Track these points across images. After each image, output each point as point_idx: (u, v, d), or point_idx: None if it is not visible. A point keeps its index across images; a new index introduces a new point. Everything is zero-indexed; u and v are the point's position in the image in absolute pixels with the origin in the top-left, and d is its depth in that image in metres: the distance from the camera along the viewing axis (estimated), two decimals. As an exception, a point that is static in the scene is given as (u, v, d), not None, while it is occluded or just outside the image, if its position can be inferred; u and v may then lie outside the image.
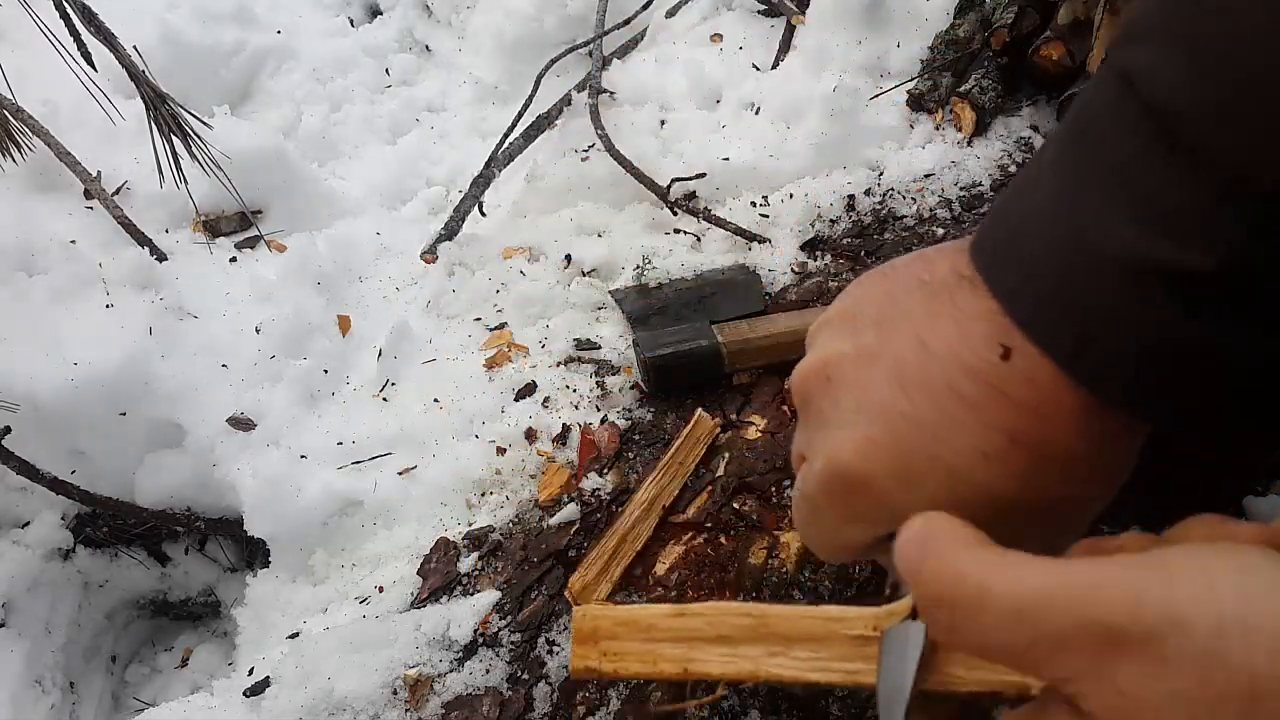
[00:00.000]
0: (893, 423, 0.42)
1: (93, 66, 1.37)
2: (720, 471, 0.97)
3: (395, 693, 0.82)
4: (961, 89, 1.40)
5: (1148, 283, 0.35)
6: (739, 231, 1.28)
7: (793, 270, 1.23)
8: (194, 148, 1.44)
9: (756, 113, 1.52)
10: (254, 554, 1.47)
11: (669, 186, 1.35)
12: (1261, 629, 0.29)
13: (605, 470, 1.01)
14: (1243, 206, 0.33)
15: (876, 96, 1.44)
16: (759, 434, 1.01)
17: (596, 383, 1.12)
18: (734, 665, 0.47)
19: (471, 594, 0.91)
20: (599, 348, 1.17)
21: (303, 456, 1.19)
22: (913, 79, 1.45)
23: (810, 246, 1.27)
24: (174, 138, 1.42)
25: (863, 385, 0.44)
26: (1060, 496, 0.41)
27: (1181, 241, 0.34)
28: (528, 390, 1.14)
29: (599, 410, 1.09)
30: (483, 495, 1.05)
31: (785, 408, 1.04)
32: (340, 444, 1.18)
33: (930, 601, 0.35)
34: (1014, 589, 0.33)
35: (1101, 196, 0.36)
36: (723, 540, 0.91)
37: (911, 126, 1.43)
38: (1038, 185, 0.40)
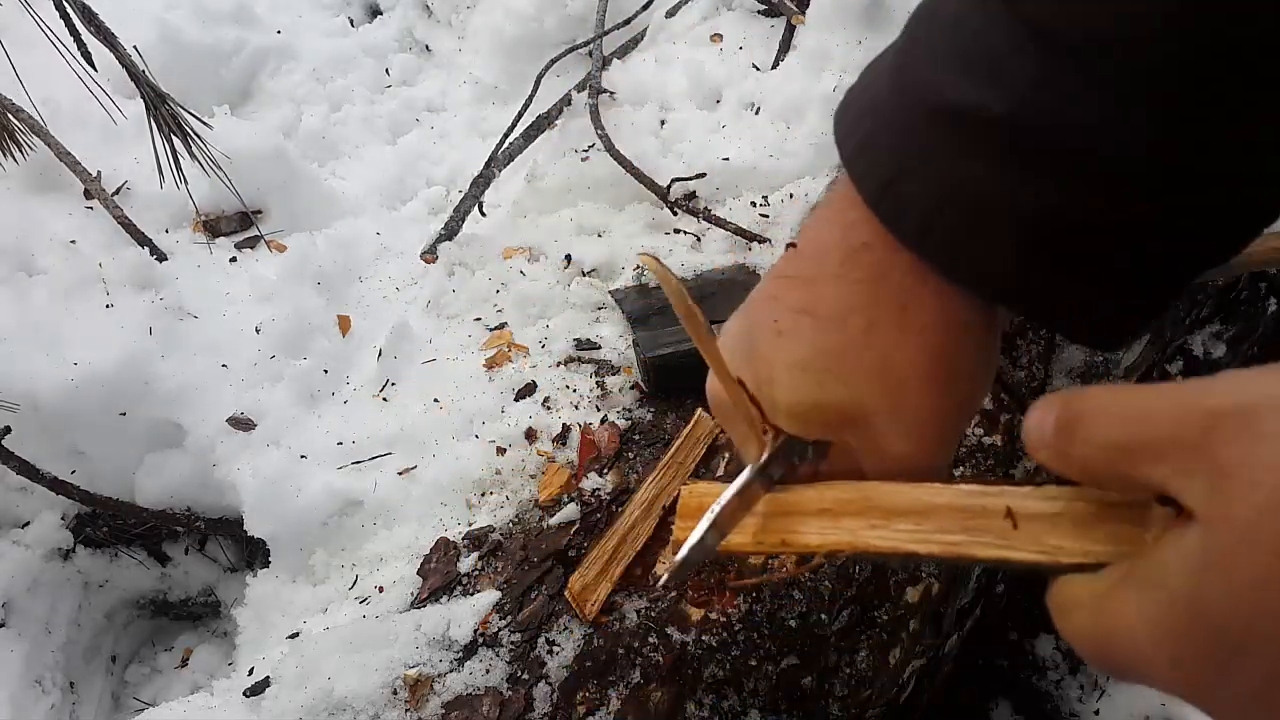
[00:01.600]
0: (733, 342, 0.51)
1: (93, 66, 1.37)
2: (720, 471, 0.97)
3: (395, 693, 0.82)
4: (961, 89, 1.40)
5: (944, 123, 0.38)
6: (739, 231, 1.28)
7: (793, 270, 1.23)
8: (194, 148, 1.44)
9: (756, 113, 1.52)
10: (254, 554, 1.47)
11: (669, 186, 1.35)
12: None
13: (605, 470, 1.01)
14: (1041, 56, 0.35)
15: (876, 96, 1.44)
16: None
17: (596, 383, 1.12)
18: (833, 536, 0.49)
19: (471, 594, 0.91)
20: (599, 348, 1.17)
21: (303, 456, 1.19)
22: (913, 79, 1.45)
23: (810, 246, 1.27)
24: (174, 138, 1.42)
25: (725, 333, 0.53)
26: (858, 346, 0.44)
27: (979, 83, 0.36)
28: (528, 390, 1.14)
29: (599, 410, 1.09)
30: (483, 495, 1.05)
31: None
32: (340, 444, 1.18)
33: (1058, 423, 0.36)
34: (1127, 397, 0.34)
35: (929, 47, 0.39)
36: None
37: (911, 126, 1.43)
38: (886, 52, 0.43)
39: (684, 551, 0.48)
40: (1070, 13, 0.35)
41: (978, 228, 0.39)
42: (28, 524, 1.35)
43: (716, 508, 0.49)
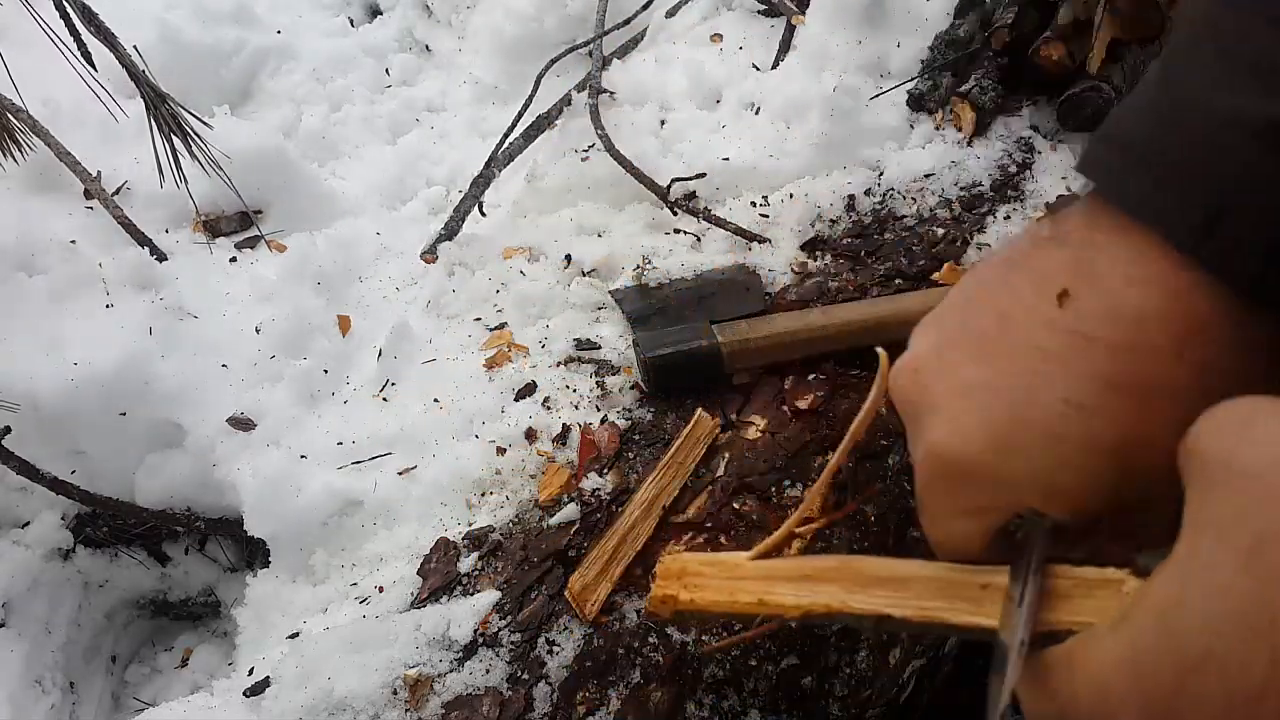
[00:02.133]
0: (979, 397, 0.41)
1: (93, 66, 1.37)
2: (720, 471, 0.97)
3: (395, 693, 0.82)
4: (961, 89, 1.40)
5: (1276, 143, 0.32)
6: (739, 231, 1.28)
7: (793, 270, 1.23)
8: (194, 147, 1.44)
9: (756, 113, 1.52)
10: (254, 554, 1.47)
11: (669, 186, 1.35)
12: None
13: (605, 470, 1.01)
14: None
15: (876, 96, 1.44)
16: (759, 434, 1.01)
17: (596, 383, 1.12)
18: (810, 599, 0.49)
19: (471, 594, 0.91)
20: (599, 348, 1.17)
21: (303, 456, 1.19)
22: (913, 79, 1.45)
23: (810, 246, 1.26)
24: (174, 137, 1.42)
25: (948, 369, 0.43)
26: (1179, 428, 0.36)
27: None
28: (528, 390, 1.14)
29: (599, 410, 1.09)
30: (483, 495, 1.05)
31: (785, 408, 1.04)
32: (340, 444, 1.18)
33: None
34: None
35: (1216, 69, 0.34)
36: (723, 540, 0.91)
37: (911, 126, 1.43)
38: (1145, 90, 0.37)
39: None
40: None
41: None
42: (28, 524, 1.35)
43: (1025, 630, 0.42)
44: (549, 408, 1.11)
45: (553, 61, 1.77)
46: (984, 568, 0.45)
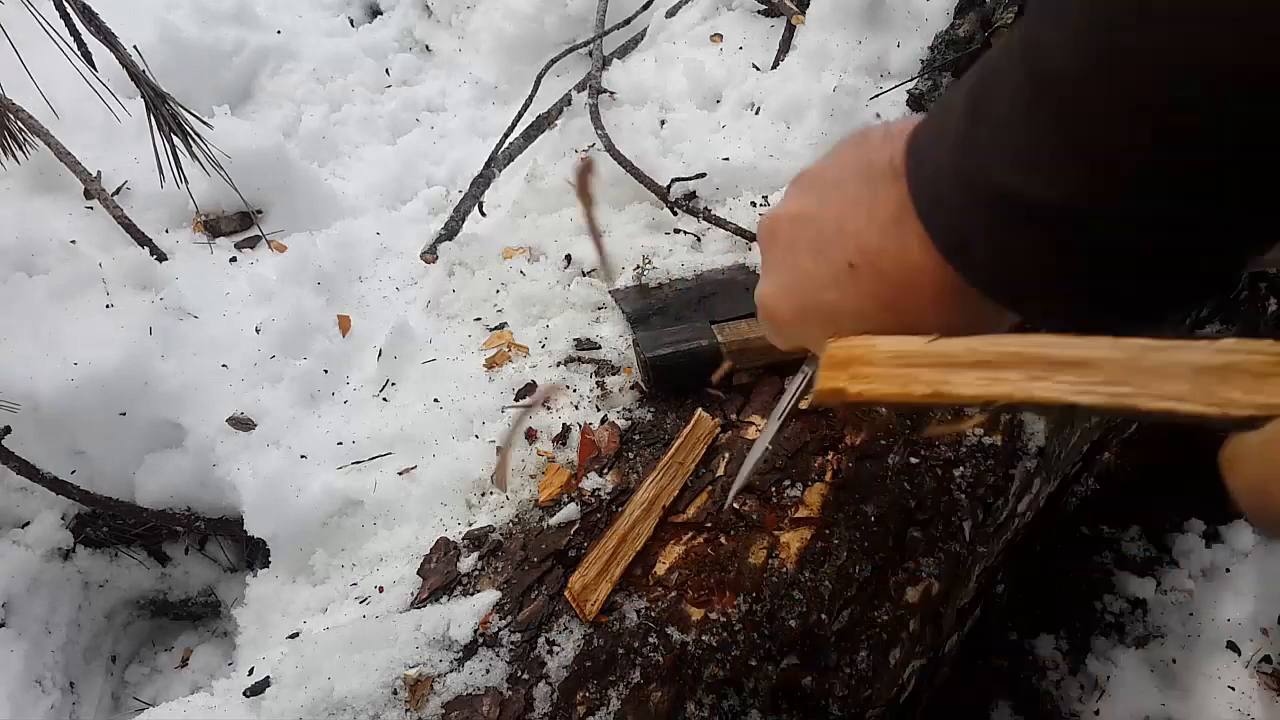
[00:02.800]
0: (799, 276, 0.58)
1: (93, 66, 1.37)
2: (720, 471, 0.97)
3: (395, 693, 0.82)
4: (961, 89, 1.40)
5: (1006, 207, 0.44)
6: (739, 231, 1.28)
7: (793, 270, 1.23)
8: (194, 147, 1.44)
9: (756, 113, 1.52)
10: (254, 554, 1.47)
11: (669, 186, 1.35)
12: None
13: (605, 470, 1.01)
14: (1086, 157, 0.41)
15: (876, 96, 1.44)
16: (759, 434, 1.01)
17: (596, 383, 1.12)
18: (991, 387, 0.48)
19: (471, 594, 0.91)
20: (599, 348, 1.17)
21: (303, 456, 1.19)
22: (913, 79, 1.45)
23: (810, 246, 1.27)
24: (174, 137, 1.42)
25: (789, 243, 0.59)
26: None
27: (1036, 179, 0.42)
28: (528, 390, 1.14)
29: (599, 410, 1.09)
30: (483, 495, 1.05)
31: (785, 408, 1.04)
32: (340, 444, 1.18)
33: None
34: None
35: (990, 130, 0.45)
36: (723, 540, 0.91)
37: (912, 126, 1.43)
38: (954, 109, 0.48)
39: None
40: (1108, 116, 0.40)
41: (1033, 281, 0.46)
42: (28, 524, 1.35)
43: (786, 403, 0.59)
44: (549, 408, 1.11)
45: (553, 61, 1.77)
46: (1184, 343, 0.43)
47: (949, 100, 0.50)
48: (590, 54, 1.78)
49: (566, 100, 1.72)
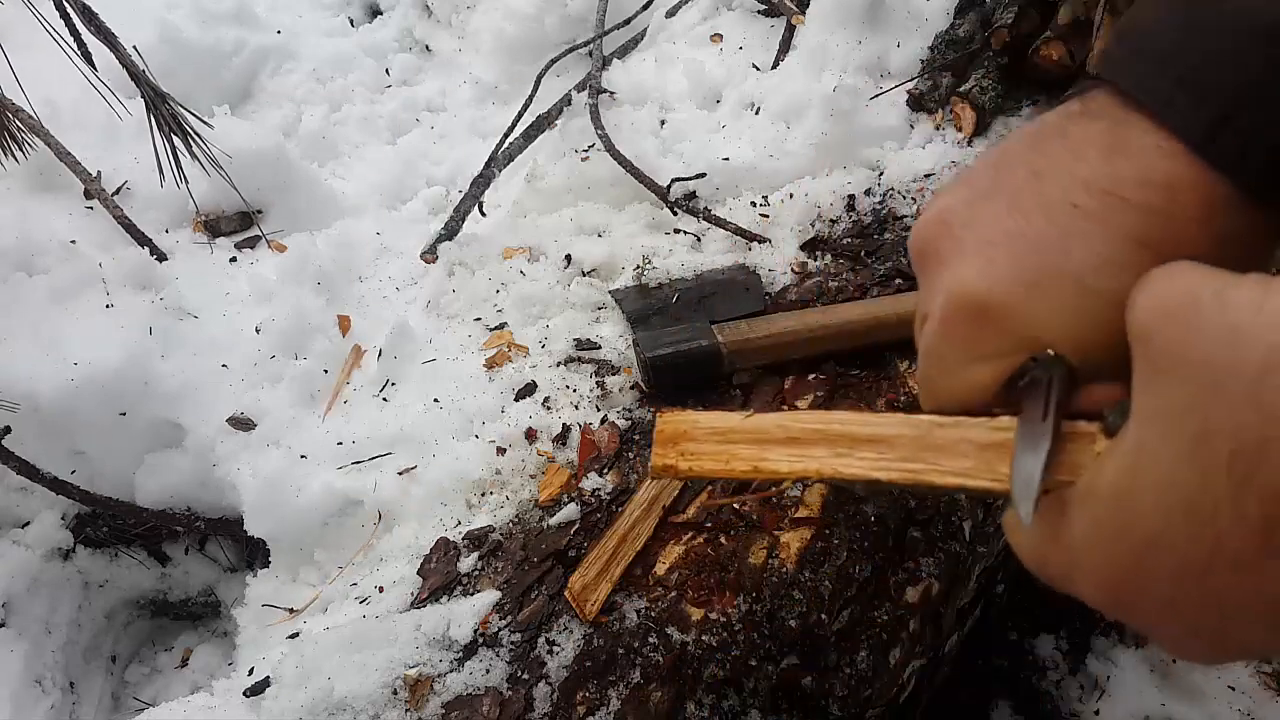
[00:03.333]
0: (1013, 244, 0.42)
1: (93, 66, 1.37)
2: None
3: (395, 693, 0.82)
4: (961, 89, 1.40)
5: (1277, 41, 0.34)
6: (739, 231, 1.28)
7: (793, 270, 1.23)
8: (194, 147, 1.44)
9: (756, 113, 1.52)
10: (254, 554, 1.47)
11: (669, 186, 1.35)
12: None
13: (605, 470, 1.01)
14: None
15: (876, 96, 1.44)
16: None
17: (596, 383, 1.12)
18: (801, 464, 0.50)
19: (471, 594, 0.91)
20: (599, 348, 1.17)
21: (303, 456, 1.19)
22: (913, 79, 1.45)
23: (810, 246, 1.27)
24: (174, 137, 1.42)
25: (979, 220, 0.44)
26: None
27: None
28: (528, 390, 1.14)
29: (599, 410, 1.09)
30: (483, 495, 1.05)
31: (785, 408, 1.04)
32: (340, 444, 1.18)
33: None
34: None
35: None
36: (723, 540, 0.91)
37: (911, 126, 1.43)
38: None
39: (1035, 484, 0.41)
40: None
41: None
42: (28, 524, 1.35)
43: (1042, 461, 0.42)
44: (549, 408, 1.11)
45: (553, 61, 1.77)
46: (966, 421, 0.43)
47: (1140, 8, 0.41)
48: (590, 54, 1.78)
49: (566, 100, 1.72)
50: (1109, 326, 0.39)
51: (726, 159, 1.40)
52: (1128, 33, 0.41)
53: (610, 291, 1.24)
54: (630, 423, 1.06)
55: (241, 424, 1.29)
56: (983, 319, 0.43)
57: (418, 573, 0.98)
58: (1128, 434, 0.34)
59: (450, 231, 1.56)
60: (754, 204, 1.34)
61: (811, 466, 0.50)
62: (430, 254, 1.54)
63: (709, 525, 0.93)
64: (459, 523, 1.03)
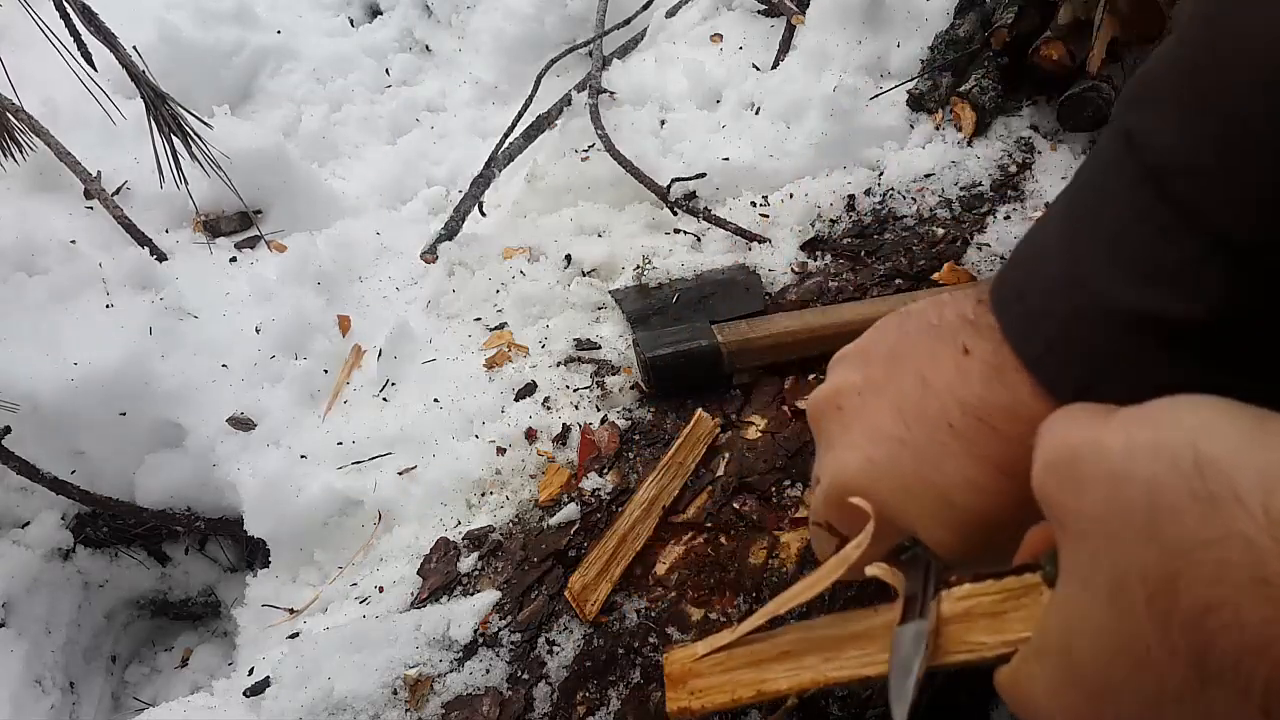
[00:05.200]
0: (892, 447, 0.47)
1: (93, 66, 1.37)
2: (720, 471, 0.97)
3: (395, 693, 0.82)
4: (961, 89, 1.40)
5: (1142, 332, 0.38)
6: (739, 231, 1.28)
7: (793, 270, 1.23)
8: (194, 148, 1.44)
9: (756, 113, 1.52)
10: (254, 554, 1.47)
11: (669, 186, 1.35)
12: (1168, 446, 0.31)
13: (605, 470, 1.01)
14: (1226, 260, 0.36)
15: (876, 96, 1.44)
16: (759, 434, 1.01)
17: (596, 383, 1.12)
18: (798, 677, 0.54)
19: (471, 594, 0.91)
20: (599, 348, 1.17)
21: (303, 456, 1.19)
22: (913, 79, 1.45)
23: (810, 246, 1.27)
24: (174, 138, 1.42)
25: (867, 413, 0.49)
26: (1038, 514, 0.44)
27: (1172, 293, 0.37)
28: (528, 390, 1.14)
29: (599, 410, 1.09)
30: (483, 495, 1.05)
31: (785, 408, 1.04)
32: (340, 444, 1.18)
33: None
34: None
35: (1104, 251, 0.39)
36: (723, 540, 0.91)
37: (911, 126, 1.42)
38: (1049, 236, 0.43)
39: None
40: (1258, 222, 0.35)
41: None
42: (28, 524, 1.35)
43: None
44: (549, 408, 1.11)
45: (553, 61, 1.77)
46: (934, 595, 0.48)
47: (1032, 245, 0.45)
48: (590, 54, 1.78)
49: (566, 100, 1.72)
50: (972, 536, 0.45)
51: (726, 159, 1.40)
52: (1017, 267, 0.45)
53: (610, 291, 1.24)
54: (630, 423, 1.06)
55: (241, 424, 1.29)
56: (866, 503, 0.48)
57: (418, 573, 0.98)
58: (1059, 589, 0.36)
59: (450, 231, 1.56)
60: (754, 204, 1.34)
61: (807, 677, 0.54)
62: (430, 254, 1.54)
63: (709, 525, 0.93)
64: (459, 523, 1.03)
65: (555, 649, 0.84)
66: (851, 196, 1.31)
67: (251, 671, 0.96)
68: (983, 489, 0.44)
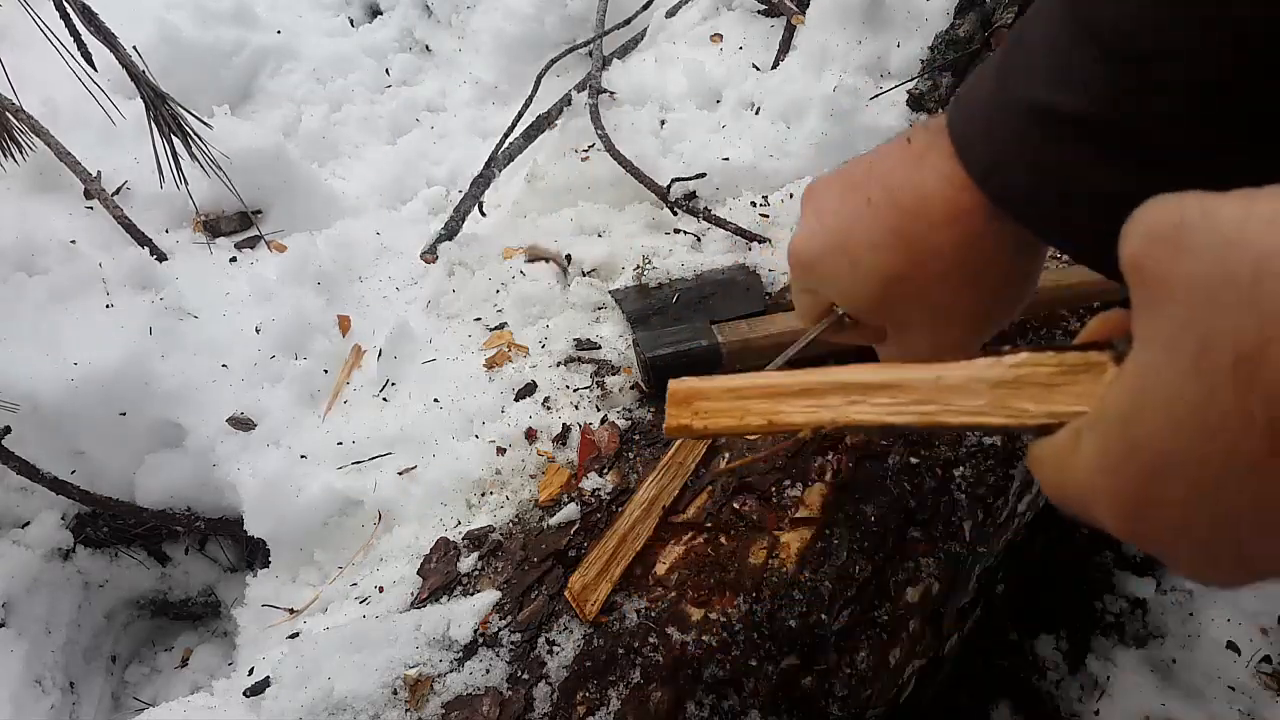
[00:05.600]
0: (825, 219, 0.60)
1: (93, 66, 1.37)
2: (723, 465, 0.97)
3: (395, 693, 0.82)
4: (961, 89, 1.40)
5: (1043, 123, 0.48)
6: (739, 231, 1.28)
7: (793, 270, 1.23)
8: (194, 148, 1.44)
9: (756, 113, 1.52)
10: (254, 554, 1.47)
11: (669, 186, 1.35)
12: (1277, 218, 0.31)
13: (605, 470, 1.01)
14: (1111, 67, 0.45)
15: (876, 96, 1.44)
16: (759, 434, 1.01)
17: (596, 383, 1.12)
18: (816, 414, 0.52)
19: (471, 594, 0.91)
20: (599, 348, 1.17)
21: (303, 456, 1.19)
22: (913, 79, 1.45)
23: (810, 246, 1.26)
24: (174, 138, 1.42)
25: (823, 196, 0.61)
26: (941, 295, 0.57)
27: (1067, 91, 0.46)
28: (528, 390, 1.14)
29: (599, 410, 1.09)
30: (483, 495, 1.05)
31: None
32: (340, 444, 1.18)
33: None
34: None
35: (1023, 60, 0.50)
36: (723, 540, 0.91)
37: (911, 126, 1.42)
38: (996, 55, 0.54)
39: (777, 362, 0.64)
40: (1144, 29, 0.43)
41: (1064, 201, 0.49)
42: (28, 524, 1.35)
43: (793, 350, 0.65)
44: (549, 408, 1.11)
45: (553, 61, 1.77)
46: (976, 362, 0.47)
47: (984, 64, 0.55)
48: (590, 54, 1.78)
49: (566, 100, 1.72)
50: (872, 292, 0.58)
51: (726, 159, 1.40)
52: (968, 80, 0.56)
53: (610, 291, 1.24)
54: (630, 423, 1.06)
55: (241, 424, 1.29)
56: (800, 268, 0.63)
57: (418, 573, 0.98)
58: (1133, 359, 0.36)
59: (450, 231, 1.56)
60: (754, 204, 1.34)
61: (826, 416, 0.51)
62: (430, 254, 1.54)
63: (709, 525, 0.93)
64: (459, 523, 1.03)
65: (555, 649, 0.84)
66: (851, 196, 1.31)
67: (251, 671, 0.96)
68: (879, 248, 0.56)
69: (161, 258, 1.53)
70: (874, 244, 0.56)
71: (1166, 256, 0.33)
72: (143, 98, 1.40)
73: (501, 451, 1.07)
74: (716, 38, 1.75)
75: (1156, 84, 0.43)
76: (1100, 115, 0.45)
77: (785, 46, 1.63)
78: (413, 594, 0.95)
